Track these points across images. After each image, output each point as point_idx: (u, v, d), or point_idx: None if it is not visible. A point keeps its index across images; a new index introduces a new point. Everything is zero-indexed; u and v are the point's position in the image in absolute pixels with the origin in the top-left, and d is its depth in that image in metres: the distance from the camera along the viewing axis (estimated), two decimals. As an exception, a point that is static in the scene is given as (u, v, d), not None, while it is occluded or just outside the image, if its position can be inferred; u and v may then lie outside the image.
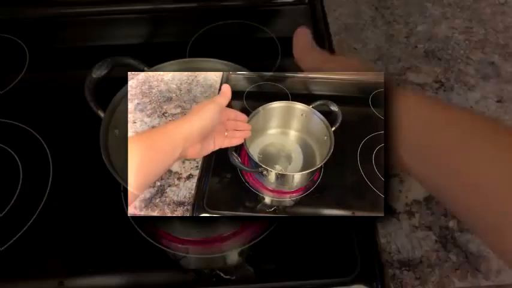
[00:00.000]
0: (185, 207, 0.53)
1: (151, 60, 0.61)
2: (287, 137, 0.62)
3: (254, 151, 0.59)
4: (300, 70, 0.42)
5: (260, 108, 0.58)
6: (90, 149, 0.53)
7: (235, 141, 0.51)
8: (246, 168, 0.55)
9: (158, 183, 0.55)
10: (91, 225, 0.56)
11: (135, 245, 0.54)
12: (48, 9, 0.81)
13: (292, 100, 0.61)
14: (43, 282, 0.52)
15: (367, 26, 0.79)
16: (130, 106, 0.66)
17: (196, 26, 0.79)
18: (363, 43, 0.77)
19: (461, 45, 0.76)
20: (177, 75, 0.73)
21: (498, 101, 0.69)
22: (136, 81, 0.71)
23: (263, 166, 0.52)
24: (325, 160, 0.52)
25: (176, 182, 0.56)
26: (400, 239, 0.55)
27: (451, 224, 0.56)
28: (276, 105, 0.60)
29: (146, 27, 0.81)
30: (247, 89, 0.70)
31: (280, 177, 0.54)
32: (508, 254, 0.30)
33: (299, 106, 0.60)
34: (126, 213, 0.55)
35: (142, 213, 0.52)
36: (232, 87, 0.47)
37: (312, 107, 0.59)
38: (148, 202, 0.53)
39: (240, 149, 0.58)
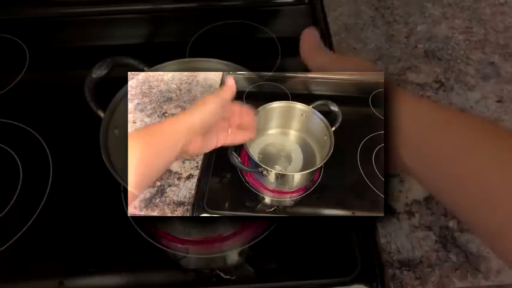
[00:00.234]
0: (185, 207, 0.53)
1: (151, 60, 0.61)
2: (287, 137, 0.62)
3: (254, 151, 0.59)
4: (306, 69, 0.42)
5: (260, 108, 0.58)
6: (90, 149, 0.53)
7: (239, 139, 0.48)
8: (246, 168, 0.55)
9: (158, 183, 0.55)
10: (91, 225, 0.56)
11: (135, 245, 0.54)
12: (48, 9, 0.81)
13: (292, 100, 0.61)
14: (43, 282, 0.52)
15: (367, 26, 0.79)
16: (130, 106, 0.66)
17: (196, 26, 0.79)
18: (363, 43, 0.77)
19: (461, 45, 0.76)
20: (177, 75, 0.73)
21: (498, 101, 0.69)
22: (136, 81, 0.71)
23: (263, 166, 0.52)
24: (325, 160, 0.52)
25: (176, 182, 0.56)
26: (400, 239, 0.55)
27: (451, 224, 0.56)
28: (276, 105, 0.60)
29: (146, 27, 0.81)
30: (247, 89, 0.70)
31: (280, 177, 0.54)
32: (508, 255, 0.30)
33: (299, 106, 0.60)
34: (126, 213, 0.55)
35: (142, 213, 0.52)
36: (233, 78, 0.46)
37: (312, 107, 0.59)
38: (148, 202, 0.53)
39: (240, 149, 0.58)
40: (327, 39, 0.77)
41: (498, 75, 0.72)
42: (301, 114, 0.60)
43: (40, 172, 0.60)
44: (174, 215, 0.53)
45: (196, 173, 0.57)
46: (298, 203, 0.55)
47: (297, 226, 0.56)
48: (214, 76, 0.73)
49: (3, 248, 0.54)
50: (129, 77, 0.70)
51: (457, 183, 0.32)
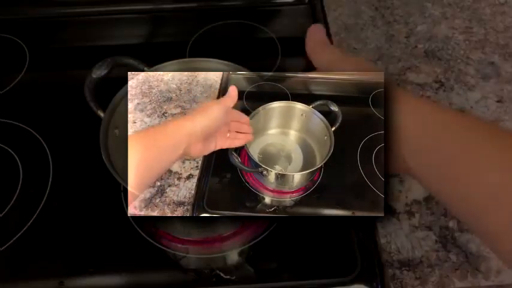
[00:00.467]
0: (185, 207, 0.53)
1: (151, 60, 0.61)
2: (287, 137, 0.62)
3: (254, 151, 0.59)
4: (306, 68, 0.42)
5: (260, 108, 0.58)
6: (90, 149, 0.53)
7: (237, 143, 0.50)
8: (246, 168, 0.55)
9: (158, 183, 0.55)
10: (91, 225, 0.56)
11: (135, 245, 0.54)
12: (48, 9, 0.81)
13: (292, 100, 0.61)
14: (43, 282, 0.52)
15: (367, 26, 0.79)
16: (130, 106, 0.66)
17: (196, 26, 0.79)
18: (363, 43, 0.77)
19: (461, 45, 0.76)
20: (177, 75, 0.73)
21: (498, 101, 0.69)
22: (136, 81, 0.71)
23: (263, 166, 0.52)
24: (325, 160, 0.52)
25: (176, 182, 0.56)
26: (400, 239, 0.55)
27: (451, 224, 0.56)
28: (276, 105, 0.60)
29: (146, 27, 0.81)
30: (247, 89, 0.70)
31: (280, 177, 0.54)
32: (508, 255, 0.30)
33: (299, 106, 0.60)
34: (126, 213, 0.55)
35: (142, 213, 0.52)
36: (236, 88, 0.47)
37: (312, 107, 0.59)
38: (148, 202, 0.53)
39: (240, 149, 0.58)
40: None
41: (498, 75, 0.72)
42: (301, 114, 0.60)
43: (40, 172, 0.60)
44: (174, 215, 0.53)
45: (196, 173, 0.57)
46: (298, 203, 0.55)
47: (297, 226, 0.56)
48: (214, 76, 0.73)
49: (3, 248, 0.54)
50: (129, 77, 0.70)
51: (456, 184, 0.32)
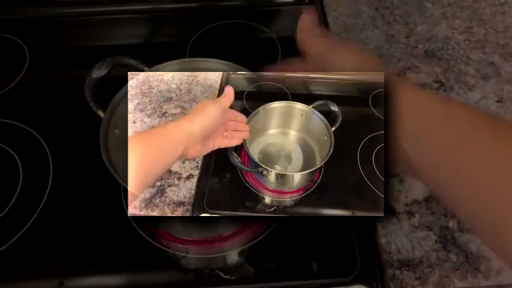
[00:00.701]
0: (185, 207, 0.53)
1: (151, 60, 0.61)
2: (287, 137, 0.62)
3: (254, 151, 0.59)
4: (302, 55, 0.41)
5: (260, 108, 0.58)
6: (90, 149, 0.53)
7: (235, 142, 0.51)
8: (246, 168, 0.55)
9: (158, 183, 0.55)
10: (91, 225, 0.56)
11: (135, 245, 0.54)
12: (48, 9, 0.81)
13: (292, 100, 0.61)
14: (43, 282, 0.52)
15: (367, 26, 0.79)
16: (130, 106, 0.66)
17: (196, 26, 0.79)
18: (363, 43, 0.77)
19: (461, 45, 0.76)
20: (177, 75, 0.73)
21: (498, 101, 0.69)
22: (136, 81, 0.71)
23: (263, 166, 0.52)
24: (325, 160, 0.52)
25: (176, 182, 0.56)
26: (400, 239, 0.55)
27: (451, 224, 0.56)
28: (276, 105, 0.60)
29: (146, 27, 0.81)
30: (247, 89, 0.70)
31: (280, 177, 0.54)
32: (508, 254, 0.30)
33: (299, 106, 0.60)
34: (126, 213, 0.55)
35: (143, 213, 0.52)
36: (232, 87, 0.47)
37: (312, 107, 0.59)
38: (148, 202, 0.53)
39: (240, 149, 0.58)
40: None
41: (498, 75, 0.72)
42: (301, 114, 0.60)
43: (40, 172, 0.60)
44: (174, 215, 0.53)
45: (196, 173, 0.57)
46: (298, 203, 0.55)
47: (297, 226, 0.56)
48: (214, 76, 0.73)
49: (3, 248, 0.54)
50: (129, 77, 0.70)
51: (456, 176, 0.31)
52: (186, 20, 0.82)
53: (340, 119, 0.58)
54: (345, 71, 0.39)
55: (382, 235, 0.55)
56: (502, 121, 0.32)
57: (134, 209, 0.52)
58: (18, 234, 0.55)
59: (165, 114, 0.66)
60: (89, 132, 0.54)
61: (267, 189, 0.56)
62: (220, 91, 0.71)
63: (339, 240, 0.55)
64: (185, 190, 0.55)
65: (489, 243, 0.34)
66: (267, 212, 0.54)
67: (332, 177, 0.57)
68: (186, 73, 0.73)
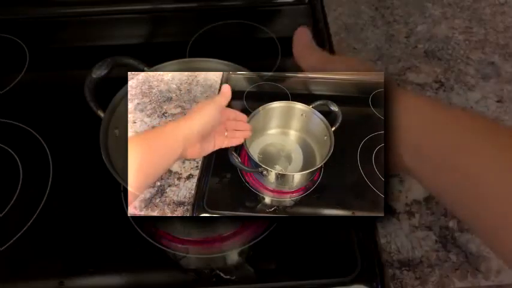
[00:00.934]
0: (185, 207, 0.53)
1: (151, 60, 0.61)
2: (287, 137, 0.62)
3: (254, 151, 0.59)
4: (300, 69, 0.42)
5: (260, 108, 0.58)
6: (90, 149, 0.53)
7: (235, 142, 0.51)
8: (246, 168, 0.55)
9: (158, 183, 0.55)
10: (91, 225, 0.56)
11: (135, 245, 0.54)
12: (48, 9, 0.81)
13: (292, 100, 0.61)
14: (43, 282, 0.52)
15: (367, 26, 0.79)
16: (130, 106, 0.66)
17: (196, 26, 0.79)
18: (363, 43, 0.77)
19: (461, 45, 0.76)
20: (177, 75, 0.73)
21: (498, 101, 0.69)
22: (136, 81, 0.71)
23: (263, 166, 0.52)
24: (325, 160, 0.52)
25: (176, 182, 0.56)
26: (400, 239, 0.55)
27: (451, 224, 0.56)
28: (276, 105, 0.59)
29: (146, 27, 0.81)
30: (247, 89, 0.70)
31: (280, 177, 0.54)
32: (508, 255, 0.30)
33: (299, 106, 0.59)
34: (126, 213, 0.55)
35: (143, 213, 0.52)
36: (232, 87, 0.47)
37: (312, 107, 0.59)
38: (148, 202, 0.53)
39: (240, 149, 0.58)
40: (327, 39, 0.77)
41: (498, 75, 0.72)
42: (301, 114, 0.60)
43: (40, 172, 0.60)
44: (174, 215, 0.53)
45: (196, 173, 0.57)
46: (298, 203, 0.55)
47: (297, 226, 0.56)
48: (214, 76, 0.73)
49: (3, 248, 0.54)
50: (129, 77, 0.70)
51: (456, 183, 0.32)
52: (186, 20, 0.82)
53: (340, 119, 0.58)
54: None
55: (382, 235, 0.55)
56: (501, 127, 0.32)
57: (134, 209, 0.52)
58: (18, 234, 0.55)
59: (165, 114, 0.66)
60: (89, 132, 0.54)
61: (267, 189, 0.56)
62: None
63: (339, 240, 0.55)
64: (185, 190, 0.55)
65: (489, 244, 0.34)
66: (267, 212, 0.54)
67: (332, 177, 0.57)
68: (186, 73, 0.73)
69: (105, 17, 0.81)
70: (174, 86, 0.71)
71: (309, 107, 0.59)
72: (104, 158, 0.51)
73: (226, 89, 0.46)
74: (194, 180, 0.56)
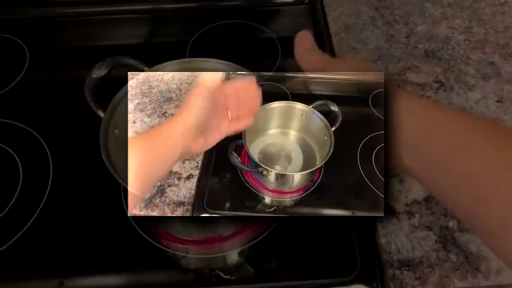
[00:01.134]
0: (185, 207, 0.53)
1: (151, 60, 0.61)
2: (287, 137, 0.62)
3: (254, 151, 0.59)
4: (301, 70, 0.42)
5: (260, 108, 0.58)
6: (90, 149, 0.53)
7: (242, 125, 0.44)
8: (246, 168, 0.55)
9: (158, 183, 0.55)
10: (91, 225, 0.56)
11: (135, 245, 0.54)
12: (48, 9, 0.81)
13: (292, 100, 0.61)
14: (43, 282, 0.52)
15: (367, 26, 0.79)
16: (130, 106, 0.66)
17: (196, 26, 0.79)
18: (363, 43, 0.77)
19: (461, 45, 0.76)
20: (177, 75, 0.73)
21: (498, 101, 0.69)
22: (136, 81, 0.71)
23: (263, 166, 0.52)
24: (325, 160, 0.52)
25: (176, 182, 0.56)
26: (400, 239, 0.55)
27: (451, 224, 0.56)
28: (276, 105, 0.60)
29: (146, 27, 0.81)
30: (247, 89, 0.70)
31: (280, 177, 0.54)
32: (508, 255, 0.30)
33: (299, 106, 0.60)
34: (126, 213, 0.55)
35: (143, 213, 0.52)
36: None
37: (312, 107, 0.59)
38: (148, 202, 0.53)
39: (240, 149, 0.58)
40: (327, 39, 0.77)
41: (498, 75, 0.72)
42: (301, 114, 0.60)
43: (40, 172, 0.60)
44: (174, 215, 0.53)
45: (196, 173, 0.57)
46: (298, 203, 0.55)
47: (297, 226, 0.56)
48: (214, 76, 0.73)
49: (3, 248, 0.54)
50: (129, 77, 0.70)
51: (457, 183, 0.32)
52: (186, 20, 0.82)
53: (340, 119, 0.58)
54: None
55: (382, 235, 0.55)
56: (501, 127, 0.32)
57: (134, 209, 0.52)
58: (18, 234, 0.55)
59: (165, 114, 0.66)
60: (89, 132, 0.53)
61: (267, 189, 0.56)
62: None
63: (339, 240, 0.55)
64: (185, 190, 0.55)
65: (489, 245, 0.34)
66: (267, 212, 0.54)
67: (332, 177, 0.57)
68: (186, 73, 0.73)
69: (105, 17, 0.81)
70: (174, 86, 0.71)
71: (309, 107, 0.59)
72: (104, 158, 0.51)
73: (203, 75, 0.40)
74: (194, 180, 0.56)
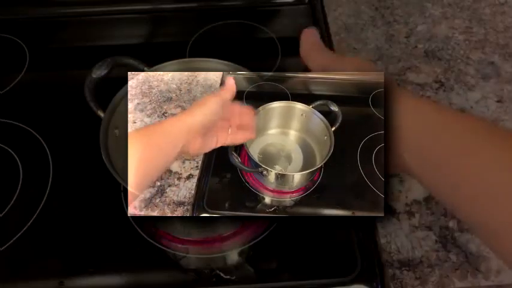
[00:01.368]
0: (185, 207, 0.53)
1: (151, 60, 0.61)
2: (287, 137, 0.62)
3: (254, 151, 0.59)
4: (306, 69, 0.42)
5: (260, 108, 0.58)
6: (90, 149, 0.53)
7: (238, 140, 0.48)
8: (246, 168, 0.55)
9: (158, 183, 0.55)
10: (91, 225, 0.56)
11: (135, 245, 0.54)
12: (48, 9, 0.81)
13: (292, 100, 0.61)
14: (43, 282, 0.52)
15: (367, 26, 0.79)
16: (130, 106, 0.66)
17: (196, 26, 0.79)
18: (363, 43, 0.77)
19: (461, 45, 0.76)
20: (177, 75, 0.73)
21: (498, 101, 0.69)
22: (136, 81, 0.71)
23: (263, 166, 0.52)
24: (325, 160, 0.52)
25: (176, 182, 0.56)
26: (400, 239, 0.55)
27: (451, 224, 0.56)
28: (276, 105, 0.60)
29: (146, 27, 0.81)
30: (247, 89, 0.70)
31: (280, 177, 0.54)
32: (509, 256, 0.30)
33: (299, 106, 0.60)
34: (126, 213, 0.55)
35: (143, 213, 0.52)
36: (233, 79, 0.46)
37: (312, 107, 0.59)
38: (148, 202, 0.53)
39: (240, 149, 0.58)
40: (327, 39, 0.77)
41: (498, 75, 0.72)
42: (301, 114, 0.60)
43: (40, 172, 0.60)
44: (174, 215, 0.53)
45: (196, 173, 0.57)
46: (298, 203, 0.55)
47: (297, 226, 0.56)
48: (214, 76, 0.73)
49: (3, 248, 0.54)
50: (129, 77, 0.70)
51: (457, 184, 0.32)
52: (186, 20, 0.82)
53: (340, 119, 0.58)
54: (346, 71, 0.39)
55: (382, 235, 0.55)
56: (501, 129, 0.32)
57: (134, 209, 0.52)
58: (18, 234, 0.55)
59: (165, 114, 0.66)
60: (89, 132, 0.54)
61: (267, 189, 0.56)
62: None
63: (339, 240, 0.55)
64: (185, 190, 0.55)
65: (490, 245, 0.34)
66: (267, 212, 0.54)
67: (332, 177, 0.57)
68: (186, 73, 0.73)
69: (105, 17, 0.81)
70: (174, 86, 0.71)
71: (309, 107, 0.59)
72: (104, 158, 0.51)
73: (231, 82, 0.44)
74: (194, 180, 0.56)
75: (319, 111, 0.58)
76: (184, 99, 0.68)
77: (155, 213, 0.52)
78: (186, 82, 0.72)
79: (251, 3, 0.83)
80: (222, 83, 0.71)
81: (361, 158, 0.60)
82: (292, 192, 0.56)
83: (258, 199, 0.55)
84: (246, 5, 0.83)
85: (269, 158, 0.59)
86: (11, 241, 0.54)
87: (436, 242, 0.55)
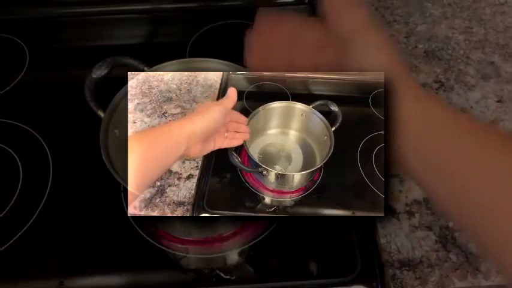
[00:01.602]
0: (185, 207, 0.53)
1: (151, 60, 0.61)
2: (287, 137, 0.62)
3: (254, 151, 0.59)
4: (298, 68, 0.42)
5: (260, 108, 0.58)
6: (90, 149, 0.53)
7: (235, 143, 0.51)
8: (246, 168, 0.55)
9: (158, 183, 0.55)
10: (91, 225, 0.56)
11: (135, 245, 0.54)
12: (48, 9, 0.81)
13: (292, 100, 0.61)
14: (43, 282, 0.52)
15: (367, 26, 0.79)
16: (130, 106, 0.66)
17: (196, 26, 0.79)
18: (363, 43, 0.76)
19: (461, 45, 0.76)
20: (177, 75, 0.73)
21: (498, 101, 0.69)
22: (136, 81, 0.71)
23: (263, 166, 0.52)
24: (325, 160, 0.52)
25: (176, 182, 0.56)
26: (400, 239, 0.55)
27: (451, 224, 0.56)
28: (276, 105, 0.60)
29: (146, 27, 0.81)
30: (247, 89, 0.70)
31: (280, 177, 0.54)
32: (509, 267, 0.29)
33: (299, 106, 0.60)
34: (126, 213, 0.55)
35: (142, 213, 0.52)
36: (235, 89, 0.47)
37: (312, 107, 0.59)
38: (148, 202, 0.53)
39: (240, 149, 0.58)
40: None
41: (498, 75, 0.72)
42: (301, 114, 0.60)
43: (40, 172, 0.60)
44: (174, 215, 0.53)
45: (196, 173, 0.57)
46: (298, 203, 0.55)
47: (297, 226, 0.56)
48: (214, 76, 0.73)
49: (3, 248, 0.54)
50: (129, 77, 0.70)
51: (454, 188, 0.31)
52: (186, 20, 0.82)
53: (340, 119, 0.58)
54: (361, 70, 0.35)
55: (382, 235, 0.55)
56: (501, 131, 0.32)
57: (134, 209, 0.52)
58: (18, 234, 0.55)
59: (165, 114, 0.66)
60: (89, 132, 0.53)
61: (267, 189, 0.56)
62: (220, 91, 0.71)
63: (339, 240, 0.55)
64: (185, 190, 0.55)
65: (490, 256, 0.34)
66: (267, 212, 0.54)
67: (332, 177, 0.57)
68: (186, 73, 0.73)
69: (105, 17, 0.81)
70: (174, 86, 0.71)
71: (309, 107, 0.59)
72: (104, 158, 0.51)
73: (233, 93, 0.47)
74: (194, 180, 0.56)
75: (319, 111, 0.58)
76: (184, 99, 0.68)
77: (155, 213, 0.52)
78: (186, 82, 0.72)
79: (251, 3, 0.83)
80: (223, 83, 0.72)
81: (361, 158, 0.60)
82: (292, 192, 0.56)
83: (258, 199, 0.55)
84: (246, 5, 0.83)
85: (269, 158, 0.59)
86: (11, 241, 0.54)
87: (436, 242, 0.55)
